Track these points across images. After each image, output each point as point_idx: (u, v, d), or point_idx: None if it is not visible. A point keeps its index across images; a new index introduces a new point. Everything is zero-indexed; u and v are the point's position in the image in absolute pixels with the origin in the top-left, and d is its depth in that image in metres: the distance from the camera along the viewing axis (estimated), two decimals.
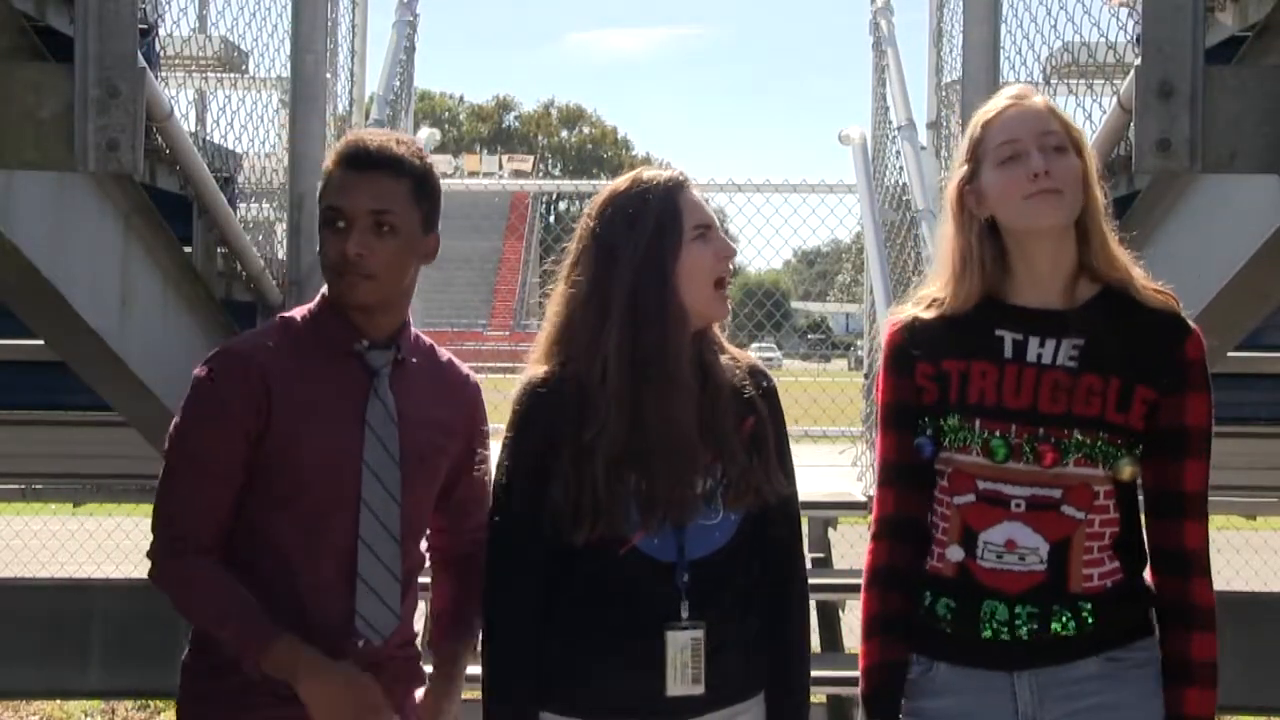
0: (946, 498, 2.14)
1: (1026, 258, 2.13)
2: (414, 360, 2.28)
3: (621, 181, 2.20)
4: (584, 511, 2.07)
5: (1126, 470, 2.08)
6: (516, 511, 2.13)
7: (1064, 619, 2.07)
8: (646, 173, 2.21)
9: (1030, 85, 2.23)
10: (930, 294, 2.21)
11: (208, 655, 2.16)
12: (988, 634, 2.09)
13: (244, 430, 2.13)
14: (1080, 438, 2.06)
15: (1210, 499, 2.14)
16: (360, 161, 2.18)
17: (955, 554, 2.11)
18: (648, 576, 2.10)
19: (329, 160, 2.24)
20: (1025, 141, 2.08)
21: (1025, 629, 2.07)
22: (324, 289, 2.26)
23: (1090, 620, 2.07)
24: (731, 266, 2.19)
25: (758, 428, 2.18)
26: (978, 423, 2.09)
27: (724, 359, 2.21)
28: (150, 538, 2.18)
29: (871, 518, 2.27)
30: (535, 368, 2.17)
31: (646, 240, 2.12)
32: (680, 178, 2.19)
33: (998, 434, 2.08)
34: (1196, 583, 2.10)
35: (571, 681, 2.14)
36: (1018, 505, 2.07)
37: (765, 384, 2.24)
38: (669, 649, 2.09)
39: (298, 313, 2.29)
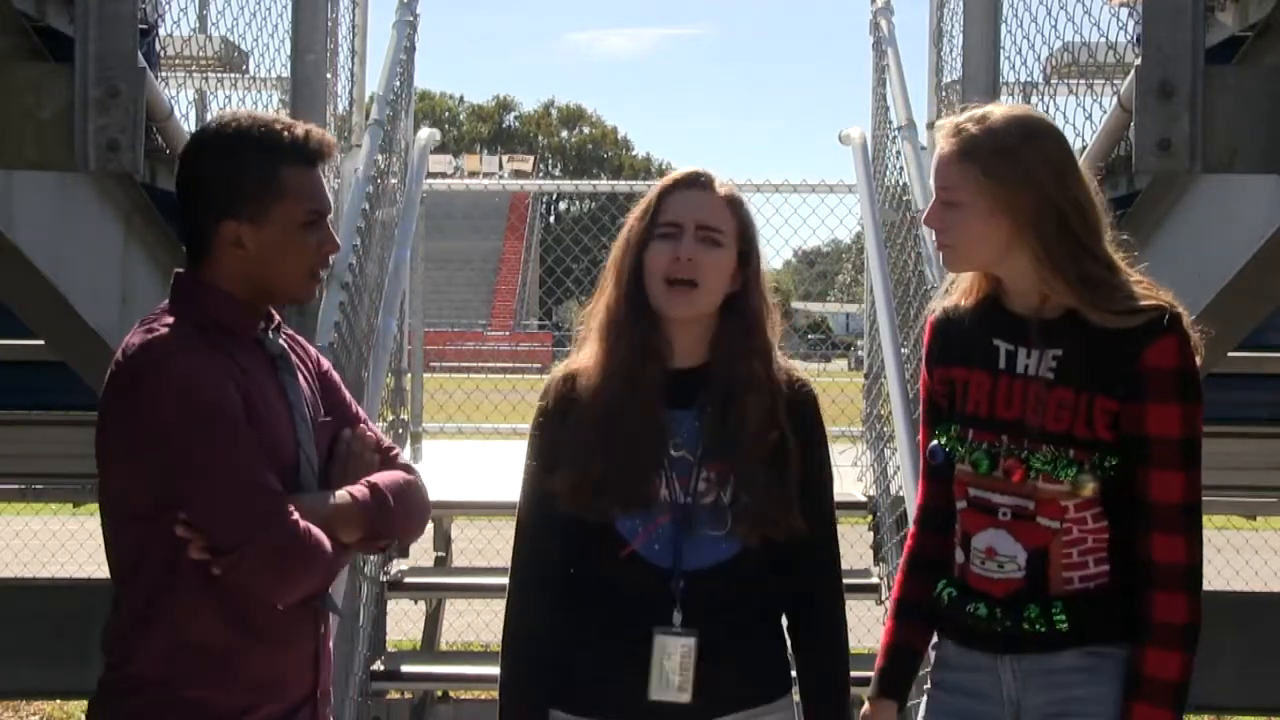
0: (955, 501, 2.21)
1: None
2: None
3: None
4: (564, 486, 2.13)
5: (1087, 487, 2.08)
6: (537, 505, 2.20)
7: (1032, 616, 2.10)
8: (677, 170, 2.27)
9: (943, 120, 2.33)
10: (962, 278, 2.30)
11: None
12: (971, 624, 2.16)
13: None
14: (1047, 452, 2.09)
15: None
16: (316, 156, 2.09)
17: (959, 556, 2.20)
18: (645, 581, 2.12)
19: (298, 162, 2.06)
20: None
21: (1000, 626, 2.12)
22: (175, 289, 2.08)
23: (1061, 619, 2.09)
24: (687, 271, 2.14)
25: (780, 445, 2.15)
26: (970, 433, 2.18)
27: (774, 370, 2.19)
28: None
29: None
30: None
31: (637, 234, 2.20)
32: (683, 177, 2.23)
33: (984, 445, 2.15)
34: (1158, 597, 2.05)
35: (570, 679, 2.16)
36: (1004, 514, 2.13)
37: (802, 401, 2.22)
38: (655, 653, 2.09)
39: (177, 308, 2.06)
